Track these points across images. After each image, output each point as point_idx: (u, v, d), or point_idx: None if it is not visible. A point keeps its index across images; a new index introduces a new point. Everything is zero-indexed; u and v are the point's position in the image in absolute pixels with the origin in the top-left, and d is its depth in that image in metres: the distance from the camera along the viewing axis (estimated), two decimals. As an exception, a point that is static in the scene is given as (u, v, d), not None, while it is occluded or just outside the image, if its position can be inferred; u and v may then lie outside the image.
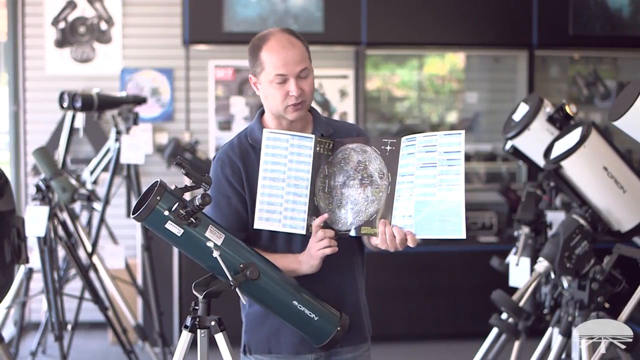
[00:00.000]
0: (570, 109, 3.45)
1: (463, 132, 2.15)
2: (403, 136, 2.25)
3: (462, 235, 2.08)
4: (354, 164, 2.25)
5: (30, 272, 4.23)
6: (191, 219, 2.02)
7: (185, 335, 2.18)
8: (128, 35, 5.91)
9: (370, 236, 2.21)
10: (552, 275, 3.41)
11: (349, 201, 2.23)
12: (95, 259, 4.53)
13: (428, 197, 2.12)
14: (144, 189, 2.12)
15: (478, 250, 5.44)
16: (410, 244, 2.14)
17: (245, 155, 2.32)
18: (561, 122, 3.44)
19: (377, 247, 2.21)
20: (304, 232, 2.22)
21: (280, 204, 2.21)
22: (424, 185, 2.14)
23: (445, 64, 6.39)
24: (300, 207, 2.22)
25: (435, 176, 2.13)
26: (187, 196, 2.06)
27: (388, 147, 2.24)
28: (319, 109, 2.65)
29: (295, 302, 2.16)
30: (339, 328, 2.19)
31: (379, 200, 2.21)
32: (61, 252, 4.49)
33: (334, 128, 2.40)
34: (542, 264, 3.24)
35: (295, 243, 2.29)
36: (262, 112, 2.38)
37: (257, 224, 2.22)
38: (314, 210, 2.22)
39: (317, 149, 2.25)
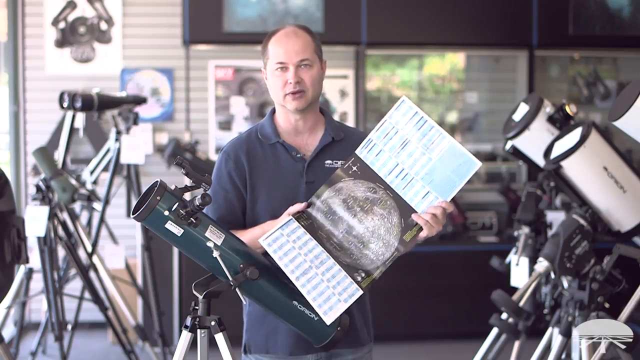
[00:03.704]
0: (570, 109, 3.45)
1: (403, 96, 2.23)
2: (354, 151, 2.25)
3: (477, 163, 2.13)
4: (341, 207, 2.21)
5: (30, 272, 4.23)
6: (191, 219, 2.02)
7: (185, 335, 2.18)
8: (128, 35, 5.91)
9: (417, 235, 2.17)
10: (552, 275, 3.40)
11: (366, 234, 2.19)
12: (95, 259, 4.52)
13: (428, 165, 2.16)
14: (144, 189, 2.11)
15: (478, 250, 5.45)
16: (449, 209, 2.15)
17: (252, 151, 2.33)
18: (561, 122, 3.44)
19: (426, 238, 2.17)
20: (361, 292, 2.15)
21: (326, 287, 2.13)
22: (416, 161, 2.18)
23: (445, 64, 6.39)
24: (339, 275, 2.15)
25: (417, 147, 2.18)
26: (187, 196, 2.06)
27: (354, 168, 2.24)
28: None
29: (295, 302, 2.16)
30: (338, 328, 2.19)
31: (393, 208, 2.19)
32: (61, 252, 4.49)
33: (346, 133, 2.40)
34: (542, 264, 3.24)
35: None
36: (274, 110, 2.40)
37: (328, 319, 2.11)
38: (348, 269, 2.17)
39: (302, 223, 2.19)
